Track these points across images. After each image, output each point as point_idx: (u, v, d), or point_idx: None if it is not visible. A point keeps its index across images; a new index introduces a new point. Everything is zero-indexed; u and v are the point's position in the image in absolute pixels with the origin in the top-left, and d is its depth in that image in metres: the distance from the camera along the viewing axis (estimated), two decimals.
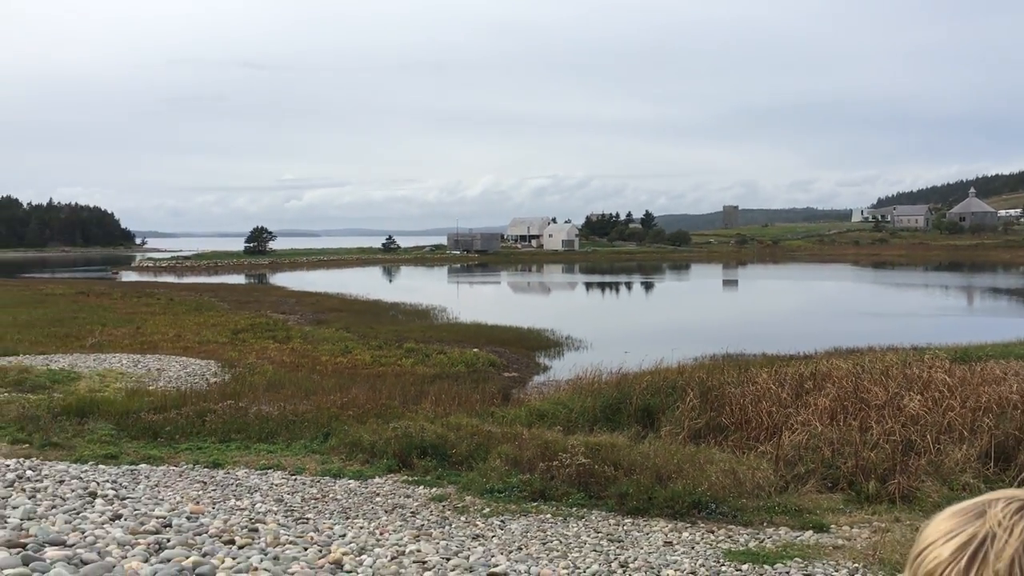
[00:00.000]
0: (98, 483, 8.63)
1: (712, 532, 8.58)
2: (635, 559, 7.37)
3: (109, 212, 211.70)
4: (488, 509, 9.09)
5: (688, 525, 8.82)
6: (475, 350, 26.20)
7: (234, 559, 5.28)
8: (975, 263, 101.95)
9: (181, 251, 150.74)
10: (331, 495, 9.33)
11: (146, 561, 4.85)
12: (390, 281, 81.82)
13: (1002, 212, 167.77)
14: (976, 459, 10.47)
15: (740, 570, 7.16)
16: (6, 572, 4.36)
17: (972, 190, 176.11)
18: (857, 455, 10.70)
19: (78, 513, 6.72)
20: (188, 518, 6.66)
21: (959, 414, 11.34)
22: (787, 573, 7.09)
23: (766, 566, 7.27)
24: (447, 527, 8.24)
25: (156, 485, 9.06)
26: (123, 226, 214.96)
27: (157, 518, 6.28)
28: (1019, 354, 17.23)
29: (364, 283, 67.72)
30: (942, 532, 0.95)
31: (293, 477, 10.15)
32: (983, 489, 9.83)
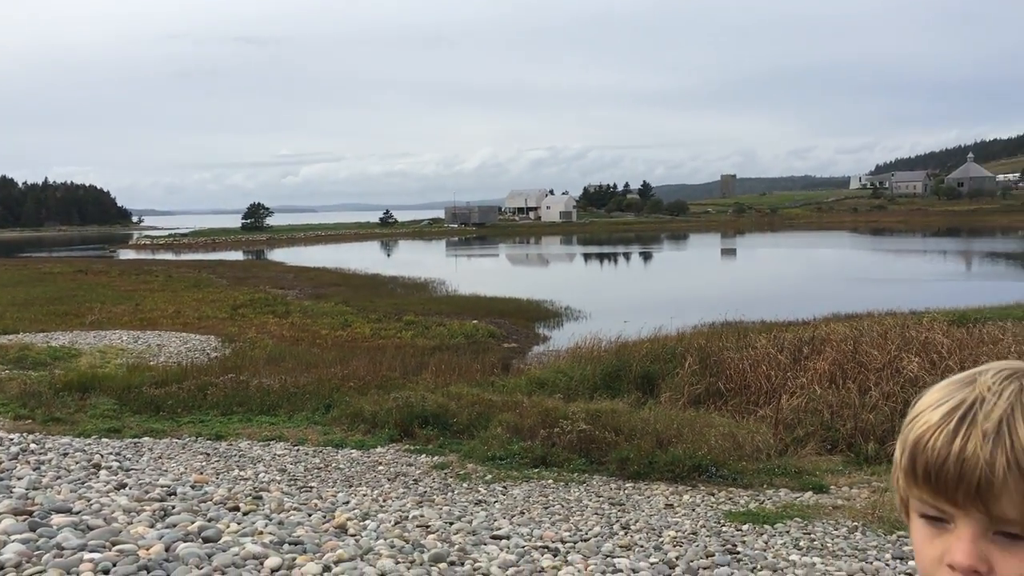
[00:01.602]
0: (102, 455, 8.67)
1: (713, 494, 8.65)
2: (636, 521, 7.44)
3: (105, 191, 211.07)
4: (490, 476, 9.15)
5: (689, 488, 8.89)
6: (474, 322, 26.24)
7: (239, 524, 5.33)
8: (973, 228, 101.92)
9: (178, 229, 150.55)
10: (334, 464, 9.39)
11: (152, 526, 4.90)
12: (388, 255, 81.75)
13: (1000, 177, 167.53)
14: None
15: (740, 530, 7.22)
16: (14, 538, 4.40)
17: (970, 155, 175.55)
18: (856, 417, 10.77)
19: (83, 483, 6.77)
20: (192, 487, 6.70)
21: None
22: (787, 532, 7.15)
23: (766, 526, 7.34)
24: (450, 493, 8.30)
25: (159, 457, 9.12)
26: (119, 204, 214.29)
27: (162, 487, 6.33)
28: (1017, 316, 17.27)
29: (362, 258, 67.66)
30: (933, 400, 0.96)
31: (296, 448, 10.21)
32: None
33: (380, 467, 9.42)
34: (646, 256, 73.44)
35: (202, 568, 4.04)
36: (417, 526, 6.42)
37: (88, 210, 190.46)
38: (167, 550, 4.40)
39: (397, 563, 4.72)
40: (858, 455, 10.12)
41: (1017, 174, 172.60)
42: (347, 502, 7.31)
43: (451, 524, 6.74)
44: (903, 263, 56.65)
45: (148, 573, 4.01)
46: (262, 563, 4.30)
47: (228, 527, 5.11)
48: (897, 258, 61.81)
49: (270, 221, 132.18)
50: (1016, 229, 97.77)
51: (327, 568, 4.41)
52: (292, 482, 8.33)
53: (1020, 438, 0.88)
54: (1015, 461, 0.87)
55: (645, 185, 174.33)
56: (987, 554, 0.89)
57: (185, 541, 4.55)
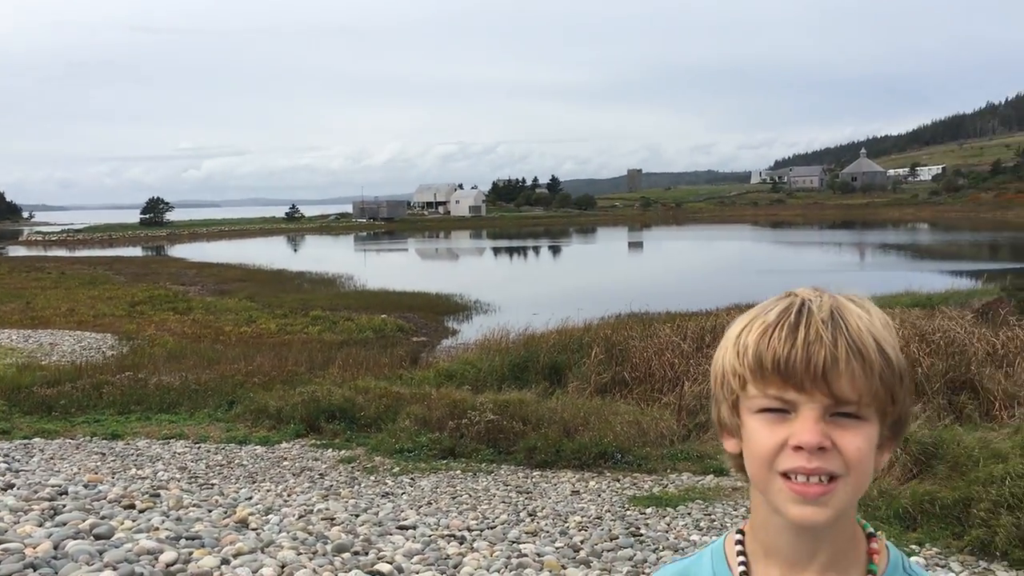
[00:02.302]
0: None
1: (618, 480, 8.81)
2: (543, 508, 7.52)
3: None
4: (398, 468, 9.11)
5: (595, 475, 9.02)
6: (383, 316, 26.02)
7: (133, 521, 5.17)
8: (866, 221, 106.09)
9: (72, 224, 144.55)
10: (237, 461, 9.20)
11: (40, 525, 4.70)
12: (295, 251, 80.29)
13: (891, 171, 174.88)
14: None
15: (644, 513, 7.38)
16: None
17: (863, 151, 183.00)
18: None
19: None
20: (86, 486, 6.46)
21: None
22: (689, 514, 7.34)
23: (669, 508, 7.52)
24: (356, 487, 8.23)
25: (52, 458, 8.77)
26: (8, 199, 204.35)
27: (52, 487, 6.08)
28: (905, 303, 18.10)
29: (268, 253, 66.23)
30: (757, 310, 1.06)
31: (197, 445, 9.96)
32: None
33: (285, 462, 9.27)
34: (555, 250, 74.05)
35: (92, 564, 3.90)
36: (322, 519, 6.35)
37: None
38: (56, 548, 4.24)
39: (299, 554, 4.66)
40: None
41: (906, 169, 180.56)
42: (250, 498, 7.17)
43: (357, 516, 6.68)
44: (801, 255, 58.59)
45: (35, 571, 3.86)
46: (157, 558, 4.18)
47: (122, 524, 4.95)
48: (795, 250, 63.88)
49: (171, 216, 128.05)
50: (906, 222, 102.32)
51: (225, 561, 4.32)
52: (192, 480, 8.12)
53: (852, 324, 1.00)
54: (852, 343, 0.98)
55: (554, 180, 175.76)
56: (828, 432, 0.98)
57: (75, 539, 4.39)
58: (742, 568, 1.10)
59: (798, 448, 0.98)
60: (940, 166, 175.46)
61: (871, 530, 1.09)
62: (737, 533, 1.14)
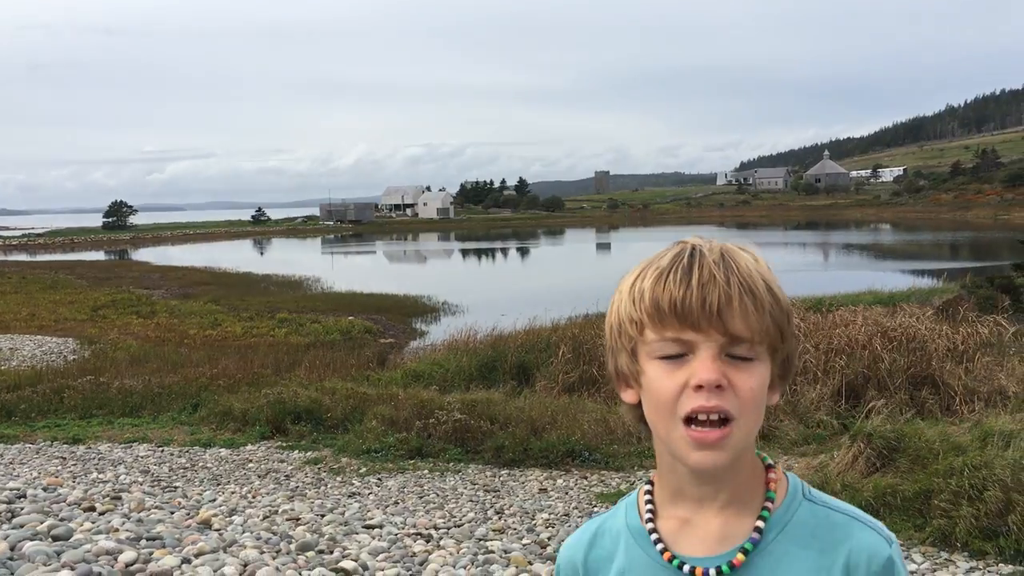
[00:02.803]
0: None
1: (586, 478, 8.82)
2: (511, 506, 7.51)
3: None
4: (365, 469, 9.06)
5: (563, 473, 9.03)
6: (350, 318, 25.87)
7: (93, 523, 5.07)
8: (830, 222, 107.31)
9: (33, 228, 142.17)
10: (201, 464, 9.08)
11: None
12: (261, 254, 79.60)
13: (853, 173, 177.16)
14: (829, 398, 11.10)
15: None
16: None
17: (826, 153, 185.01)
18: None
19: None
20: (45, 489, 6.34)
21: (813, 356, 11.98)
22: None
23: None
24: (323, 487, 8.17)
25: (11, 463, 8.61)
26: None
27: (10, 490, 5.95)
28: (867, 301, 18.33)
29: (234, 256, 65.61)
30: (649, 260, 1.11)
31: (160, 449, 9.82)
32: (835, 425, 10.38)
33: (250, 464, 9.18)
34: (523, 251, 74.11)
35: (50, 565, 3.82)
36: (287, 519, 6.29)
37: None
38: (12, 549, 4.15)
39: (262, 553, 4.60)
40: None
41: (869, 170, 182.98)
42: (214, 499, 7.09)
43: (322, 516, 6.63)
44: (766, 255, 58.34)
45: None
46: (116, 558, 4.10)
47: (82, 526, 4.86)
48: (761, 251, 63.88)
49: (134, 220, 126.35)
50: (868, 222, 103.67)
51: (186, 560, 4.25)
52: (155, 483, 8.01)
53: (743, 265, 1.07)
54: (744, 282, 1.05)
55: (521, 182, 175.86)
56: (725, 372, 1.02)
57: (32, 540, 4.30)
58: (648, 515, 1.16)
59: (698, 388, 1.02)
60: (901, 168, 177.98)
61: (770, 462, 1.15)
62: (647, 484, 1.21)
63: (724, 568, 1.07)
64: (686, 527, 1.12)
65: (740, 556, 1.07)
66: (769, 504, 1.10)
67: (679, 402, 1.03)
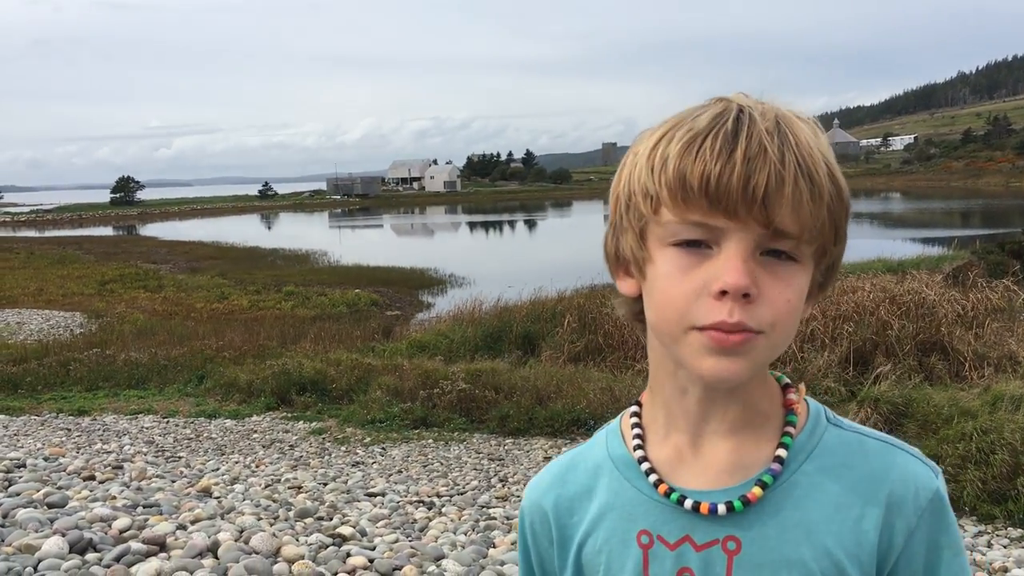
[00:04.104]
0: None
1: None
2: (514, 474, 7.48)
3: None
4: (369, 439, 9.04)
5: (568, 441, 8.99)
6: (357, 291, 25.85)
7: (91, 491, 5.05)
8: None
9: (41, 205, 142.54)
10: (206, 434, 9.08)
11: None
12: (268, 228, 79.61)
13: (864, 141, 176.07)
14: (837, 364, 11.01)
15: None
16: None
17: (836, 121, 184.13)
18: None
19: None
20: (46, 459, 6.34)
21: (821, 323, 11.89)
22: None
23: None
24: (327, 457, 8.15)
25: (15, 434, 8.61)
26: None
27: (10, 460, 5.94)
28: (877, 269, 18.20)
29: (241, 231, 65.64)
30: (679, 117, 0.85)
31: (165, 420, 9.83)
32: (843, 392, 10.31)
33: (255, 435, 9.17)
34: (530, 224, 73.93)
35: (41, 531, 3.79)
36: (289, 488, 6.27)
37: None
38: (4, 516, 4.13)
39: (259, 519, 4.57)
40: None
41: (879, 139, 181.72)
42: (216, 469, 7.07)
43: (325, 485, 6.61)
44: None
45: None
46: (110, 524, 4.08)
47: (79, 494, 4.84)
48: None
49: (142, 195, 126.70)
50: (879, 191, 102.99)
51: (181, 527, 4.22)
52: (159, 453, 8.00)
53: (803, 139, 0.81)
54: (801, 161, 0.79)
55: (529, 154, 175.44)
56: (756, 276, 0.80)
57: (27, 507, 4.28)
58: (636, 440, 0.95)
59: (721, 294, 0.79)
60: (912, 136, 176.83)
61: (787, 381, 0.94)
62: (634, 405, 0.99)
63: (736, 504, 0.87)
64: (686, 455, 0.92)
65: (757, 490, 0.87)
66: (791, 429, 0.90)
67: (692, 308, 0.81)
